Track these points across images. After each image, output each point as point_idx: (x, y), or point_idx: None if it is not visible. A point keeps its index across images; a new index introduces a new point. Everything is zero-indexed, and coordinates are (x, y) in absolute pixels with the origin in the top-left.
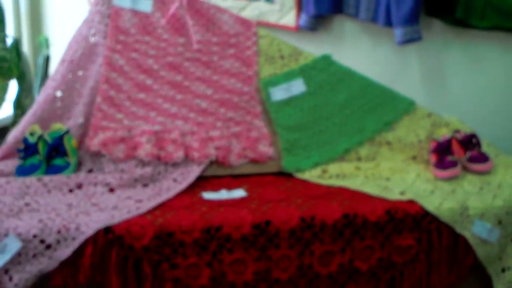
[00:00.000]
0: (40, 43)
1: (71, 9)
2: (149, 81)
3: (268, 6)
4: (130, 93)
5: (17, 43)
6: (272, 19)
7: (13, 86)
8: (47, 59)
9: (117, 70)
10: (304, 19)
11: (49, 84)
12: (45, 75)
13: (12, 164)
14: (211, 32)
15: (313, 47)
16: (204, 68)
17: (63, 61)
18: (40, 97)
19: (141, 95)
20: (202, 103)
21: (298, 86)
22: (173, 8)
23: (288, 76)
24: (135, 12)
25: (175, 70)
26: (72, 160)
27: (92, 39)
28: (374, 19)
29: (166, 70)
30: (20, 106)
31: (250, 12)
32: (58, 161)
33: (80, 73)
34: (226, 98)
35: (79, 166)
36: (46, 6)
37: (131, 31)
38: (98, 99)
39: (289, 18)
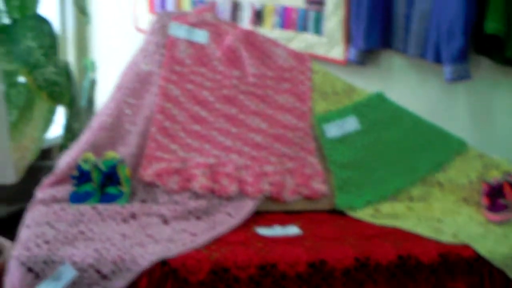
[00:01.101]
0: (86, 66)
1: (117, 33)
2: (204, 113)
3: (316, 38)
4: (185, 124)
5: (67, 67)
6: (320, 51)
7: (61, 109)
8: (93, 83)
9: (172, 101)
10: (352, 52)
11: (103, 111)
12: (91, 98)
13: (65, 190)
14: (265, 66)
15: (360, 81)
16: (259, 102)
17: (117, 88)
18: (94, 124)
19: (196, 127)
20: (257, 138)
21: (351, 123)
22: (228, 40)
23: (342, 113)
24: (190, 43)
25: (230, 103)
26: (125, 189)
27: (147, 68)
28: (423, 55)
29: (221, 102)
30: (69, 130)
31: (297, 44)
32: (111, 190)
33: (135, 101)
34: (280, 133)
35: (132, 195)
36: (92, 29)
37: (187, 61)
38: (153, 129)
39: (337, 51)
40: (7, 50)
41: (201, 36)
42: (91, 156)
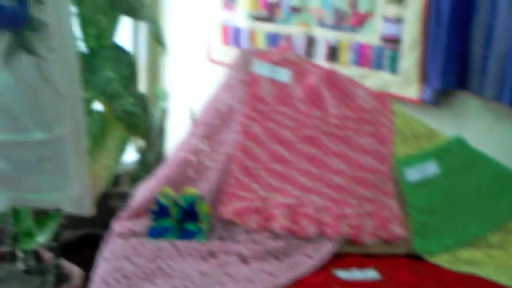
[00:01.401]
0: (158, 95)
1: (190, 63)
2: (285, 153)
3: (392, 77)
4: (266, 164)
5: (144, 97)
6: (394, 90)
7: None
8: (164, 112)
9: (254, 139)
10: (427, 92)
11: (182, 146)
12: (162, 128)
13: (142, 224)
14: (347, 107)
15: (434, 122)
16: (340, 143)
17: (197, 124)
18: (172, 159)
19: (277, 166)
20: (337, 179)
21: (431, 168)
22: (310, 80)
23: (422, 157)
24: (273, 81)
25: (312, 143)
26: (204, 226)
27: (229, 105)
28: (499, 98)
29: (302, 142)
30: (143, 161)
31: (372, 82)
32: (190, 226)
33: (215, 138)
34: (360, 176)
35: (210, 232)
36: (164, 58)
37: (269, 100)
38: (234, 167)
39: (412, 90)
40: (85, 79)
41: (283, 74)
42: (170, 191)
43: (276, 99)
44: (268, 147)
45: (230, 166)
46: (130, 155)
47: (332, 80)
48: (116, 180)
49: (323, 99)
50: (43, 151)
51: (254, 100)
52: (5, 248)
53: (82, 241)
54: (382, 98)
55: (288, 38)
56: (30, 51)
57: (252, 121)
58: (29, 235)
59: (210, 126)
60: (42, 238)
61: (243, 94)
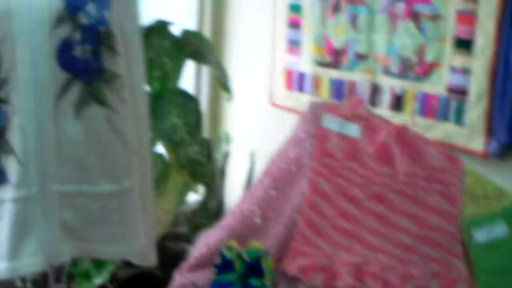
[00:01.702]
0: (220, 138)
1: (252, 106)
2: (353, 210)
3: (457, 129)
4: (334, 221)
5: (209, 145)
6: (459, 142)
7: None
8: (226, 156)
9: (322, 195)
10: (493, 145)
11: (249, 198)
12: (222, 171)
13: (204, 276)
14: (417, 164)
15: (499, 176)
16: (409, 202)
17: (264, 176)
18: (237, 210)
19: (345, 224)
20: (405, 238)
21: (501, 229)
22: (381, 136)
23: (492, 218)
24: (343, 136)
25: (380, 201)
26: (268, 281)
27: (298, 159)
28: None
29: (371, 200)
30: (205, 207)
31: (436, 133)
32: (254, 282)
33: (282, 192)
34: (428, 235)
35: None
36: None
37: (338, 155)
38: (301, 223)
39: (478, 143)
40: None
41: (353, 130)
42: (235, 244)
43: (345, 155)
44: (336, 203)
45: (296, 222)
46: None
47: (402, 136)
48: (173, 220)
49: (393, 156)
50: (111, 203)
51: (323, 155)
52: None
53: (137, 279)
54: (454, 157)
55: (352, 85)
56: (102, 102)
57: (321, 177)
58: (86, 276)
59: (278, 179)
60: (99, 279)
61: (312, 148)
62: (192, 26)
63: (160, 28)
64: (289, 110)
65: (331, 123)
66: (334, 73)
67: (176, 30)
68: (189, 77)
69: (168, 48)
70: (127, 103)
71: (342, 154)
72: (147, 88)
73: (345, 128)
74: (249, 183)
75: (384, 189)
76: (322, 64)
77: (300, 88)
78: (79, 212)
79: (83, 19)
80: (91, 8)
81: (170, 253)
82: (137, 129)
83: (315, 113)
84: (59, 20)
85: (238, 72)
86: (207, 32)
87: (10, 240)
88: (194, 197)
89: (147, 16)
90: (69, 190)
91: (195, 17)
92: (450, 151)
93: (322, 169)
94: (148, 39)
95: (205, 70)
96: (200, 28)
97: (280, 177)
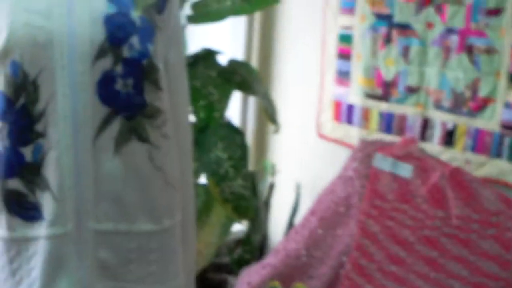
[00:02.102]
0: (265, 169)
1: (298, 137)
2: (403, 254)
3: (510, 166)
4: (382, 264)
5: (254, 179)
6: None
7: None
8: (271, 187)
9: (371, 238)
10: None
11: (294, 237)
12: (267, 202)
13: None
14: (471, 208)
15: None
16: (462, 246)
17: (311, 215)
18: (281, 249)
19: (393, 268)
20: (456, 285)
21: None
22: (434, 177)
23: None
24: (394, 177)
25: (431, 245)
26: None
27: (347, 199)
28: None
29: (421, 243)
30: (249, 242)
31: (488, 170)
32: None
33: (329, 232)
34: (481, 282)
35: None
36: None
37: (389, 196)
38: (348, 266)
39: None
40: (195, 155)
41: (405, 170)
42: (278, 285)
43: (396, 196)
44: (385, 246)
45: (343, 264)
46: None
47: (456, 178)
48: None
49: (446, 199)
50: (150, 242)
51: (373, 195)
52: None
53: None
54: (509, 199)
55: (402, 118)
56: (143, 138)
57: (370, 218)
58: None
59: (325, 219)
60: None
61: (362, 188)
62: (239, 55)
63: (206, 57)
64: (337, 142)
65: (382, 162)
66: (384, 106)
67: (222, 59)
68: (235, 107)
69: (214, 77)
70: (170, 139)
71: (393, 195)
72: (193, 118)
73: (397, 168)
74: (294, 215)
75: (435, 233)
76: (371, 96)
77: (349, 120)
78: (115, 251)
79: (126, 52)
80: (134, 40)
81: (212, 284)
82: (180, 165)
83: (366, 151)
84: (101, 52)
85: (285, 102)
86: (254, 61)
87: (43, 279)
88: (237, 227)
89: (194, 44)
90: (106, 228)
91: (243, 46)
92: (504, 191)
93: (371, 211)
94: (194, 68)
95: (252, 99)
96: (247, 57)
97: (328, 217)
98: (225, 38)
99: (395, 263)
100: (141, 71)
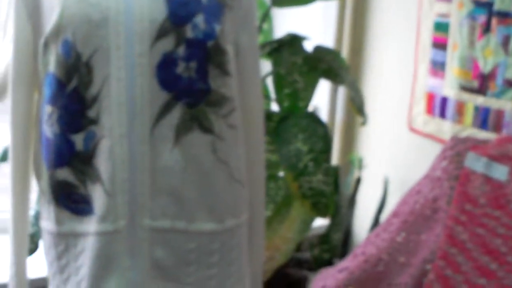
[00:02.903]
0: (352, 162)
1: (388, 131)
2: (493, 266)
3: None
4: (469, 276)
5: (337, 174)
6: None
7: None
8: (357, 182)
9: (458, 246)
10: None
11: (374, 239)
12: (352, 198)
13: None
14: None
15: None
16: None
17: (393, 217)
18: (360, 253)
19: (482, 281)
20: None
21: None
22: None
23: None
24: (487, 179)
25: None
26: None
27: (434, 201)
28: None
29: None
30: (327, 241)
31: None
32: None
33: (412, 237)
34: None
35: None
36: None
37: (480, 201)
38: (431, 276)
39: None
40: (274, 146)
41: (500, 172)
42: None
43: (488, 200)
44: (474, 257)
45: (426, 273)
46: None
47: None
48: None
49: None
50: (211, 242)
51: (463, 199)
52: None
53: None
54: None
55: (499, 114)
56: (206, 128)
57: (459, 225)
58: None
59: (408, 223)
60: None
61: (451, 190)
62: (329, 43)
63: (292, 43)
64: (428, 136)
65: (475, 163)
66: (480, 100)
67: (309, 46)
68: (324, 97)
69: (300, 64)
70: (237, 129)
71: (485, 200)
72: (276, 107)
73: (491, 170)
74: (380, 212)
75: None
76: (467, 89)
77: (442, 114)
78: (172, 250)
79: (189, 32)
80: (199, 19)
81: (292, 280)
82: (247, 159)
83: (457, 150)
84: (162, 32)
85: (375, 94)
86: (345, 50)
87: (91, 278)
88: (320, 221)
89: (280, 30)
90: (162, 226)
91: (333, 33)
92: None
93: (460, 216)
94: (279, 54)
95: (341, 89)
96: (338, 45)
97: (412, 221)
98: (314, 25)
99: (484, 275)
100: (206, 53)
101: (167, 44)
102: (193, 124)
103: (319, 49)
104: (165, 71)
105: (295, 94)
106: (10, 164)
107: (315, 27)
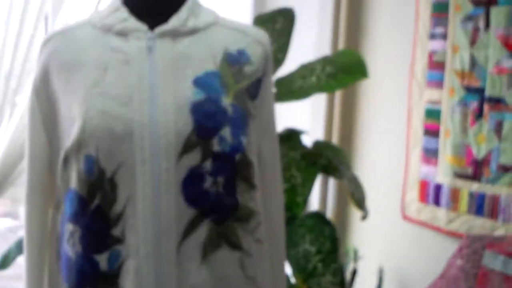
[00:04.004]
0: (347, 253)
1: (381, 219)
2: None
3: None
4: None
5: (343, 274)
6: None
7: None
8: (353, 273)
9: None
10: None
11: None
12: None
13: None
14: None
15: None
16: None
17: None
18: None
19: None
20: None
21: None
22: None
23: None
24: (506, 277)
25: None
26: None
27: None
28: None
29: None
30: None
31: None
32: None
33: None
34: None
35: None
36: (352, 212)
37: None
38: None
39: None
40: None
41: None
42: None
43: None
44: None
45: None
46: None
47: None
48: None
49: None
50: None
51: None
52: None
53: None
54: None
55: (495, 199)
56: (234, 245)
57: None
58: None
59: None
60: None
61: None
62: (319, 132)
63: (290, 137)
64: (423, 224)
65: (493, 261)
66: (474, 186)
67: (306, 139)
68: (314, 188)
69: (298, 159)
70: (263, 244)
71: None
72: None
73: (508, 267)
74: None
75: None
76: (461, 175)
77: (436, 201)
78: None
79: (216, 146)
80: (226, 132)
81: None
82: (272, 271)
83: (474, 248)
84: (188, 146)
85: (367, 182)
86: (335, 139)
87: None
88: None
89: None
90: None
91: (323, 123)
92: None
93: None
94: None
95: (332, 180)
96: (328, 134)
97: None
98: (303, 115)
99: None
100: (234, 167)
101: (193, 158)
102: (221, 241)
103: (318, 144)
104: (191, 186)
105: (293, 189)
106: (25, 282)
107: (304, 117)
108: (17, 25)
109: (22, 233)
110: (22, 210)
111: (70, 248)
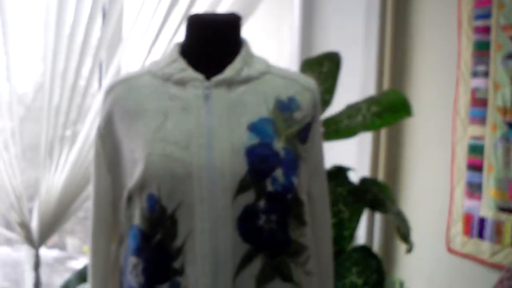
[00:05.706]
0: (393, 285)
1: (426, 252)
2: None
3: None
4: None
5: None
6: None
7: None
8: None
9: None
10: None
11: None
12: None
13: None
14: None
15: None
16: None
17: None
18: None
19: None
20: None
21: None
22: None
23: None
24: None
25: None
26: None
27: None
28: None
29: None
30: None
31: None
32: None
33: None
34: None
35: None
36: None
37: None
38: None
39: None
40: None
41: None
42: None
43: None
44: None
45: None
46: None
47: None
48: None
49: None
50: None
51: None
52: None
53: None
54: None
55: None
56: (286, 277)
57: None
58: None
59: None
60: None
61: None
62: (365, 169)
63: (337, 174)
64: (467, 257)
65: None
66: None
67: (352, 176)
68: (361, 222)
69: (345, 195)
70: (313, 275)
71: None
72: None
73: None
74: None
75: None
76: (504, 209)
77: (480, 235)
78: None
79: (269, 186)
80: (278, 173)
81: None
82: None
83: None
84: (243, 186)
85: (412, 216)
86: (381, 176)
87: None
88: None
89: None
90: None
91: (369, 160)
92: None
93: None
94: None
95: (377, 215)
96: (374, 171)
97: None
98: (350, 153)
99: None
100: (286, 206)
101: (248, 197)
102: (274, 274)
103: (365, 181)
104: (246, 223)
105: (340, 224)
106: None
107: (351, 154)
108: (73, 75)
109: (70, 264)
110: (69, 241)
111: (133, 279)
